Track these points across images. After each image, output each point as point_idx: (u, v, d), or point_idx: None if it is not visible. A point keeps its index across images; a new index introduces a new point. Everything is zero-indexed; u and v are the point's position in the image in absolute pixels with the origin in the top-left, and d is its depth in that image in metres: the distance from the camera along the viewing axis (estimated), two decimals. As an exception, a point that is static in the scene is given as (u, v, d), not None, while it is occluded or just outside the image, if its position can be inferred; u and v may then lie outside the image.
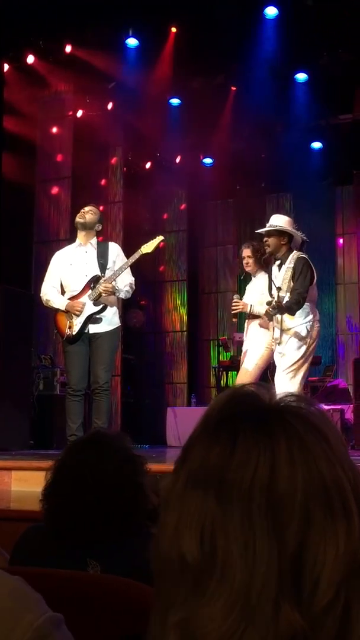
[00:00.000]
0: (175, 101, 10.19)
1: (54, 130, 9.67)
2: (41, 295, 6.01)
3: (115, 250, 6.03)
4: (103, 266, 5.90)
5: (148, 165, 11.33)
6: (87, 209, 6.03)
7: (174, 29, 8.91)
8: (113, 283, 5.78)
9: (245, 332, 6.25)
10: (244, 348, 6.33)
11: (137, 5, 8.18)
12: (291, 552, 0.61)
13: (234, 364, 7.46)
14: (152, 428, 10.48)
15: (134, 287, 5.98)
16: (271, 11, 8.46)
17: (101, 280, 5.80)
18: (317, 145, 10.82)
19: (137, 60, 9.11)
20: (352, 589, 0.61)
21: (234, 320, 6.50)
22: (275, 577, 0.61)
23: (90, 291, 5.83)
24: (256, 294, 6.08)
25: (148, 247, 5.97)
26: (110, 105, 9.99)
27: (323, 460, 0.64)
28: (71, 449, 1.85)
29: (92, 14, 8.27)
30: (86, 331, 5.83)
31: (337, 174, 11.13)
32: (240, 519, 0.62)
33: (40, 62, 9.20)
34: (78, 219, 5.98)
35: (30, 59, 9.08)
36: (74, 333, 5.81)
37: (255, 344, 6.05)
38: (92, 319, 5.81)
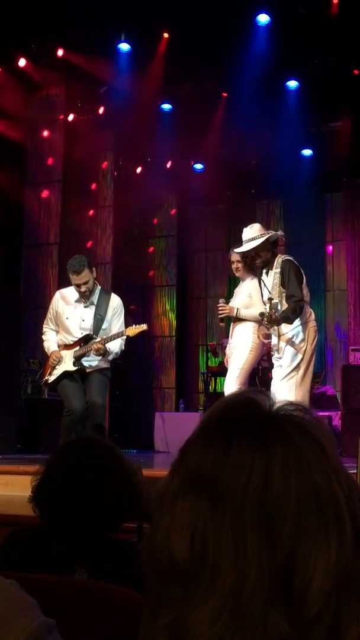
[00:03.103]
0: (166, 106, 10.20)
1: (45, 133, 9.67)
2: (42, 330, 6.11)
3: (113, 307, 5.92)
4: (99, 322, 5.85)
5: (139, 169, 11.34)
6: (83, 281, 5.70)
7: (166, 35, 8.94)
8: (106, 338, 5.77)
9: (230, 335, 6.22)
10: (227, 351, 6.32)
11: (130, 10, 8.19)
12: (282, 559, 0.61)
13: (223, 370, 7.47)
14: (139, 433, 10.46)
15: (123, 347, 5.93)
16: (263, 18, 8.49)
17: (93, 341, 5.76)
18: (307, 152, 10.86)
19: (129, 65, 9.12)
20: (342, 600, 0.61)
21: (222, 324, 6.47)
22: (265, 583, 0.60)
23: (77, 348, 5.83)
24: (243, 297, 6.06)
25: (131, 332, 5.82)
26: (101, 110, 10.00)
27: (318, 470, 0.64)
28: (62, 450, 1.86)
29: (84, 19, 8.27)
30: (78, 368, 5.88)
31: (326, 181, 11.17)
32: (232, 524, 0.62)
33: (32, 65, 9.20)
34: (82, 296, 5.80)
35: (22, 62, 9.07)
36: (49, 381, 5.96)
37: (239, 347, 6.03)
38: (89, 359, 5.84)
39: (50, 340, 6.01)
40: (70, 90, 9.61)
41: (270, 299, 5.39)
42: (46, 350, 6.06)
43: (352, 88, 9.30)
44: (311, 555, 0.61)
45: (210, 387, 10.12)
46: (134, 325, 5.86)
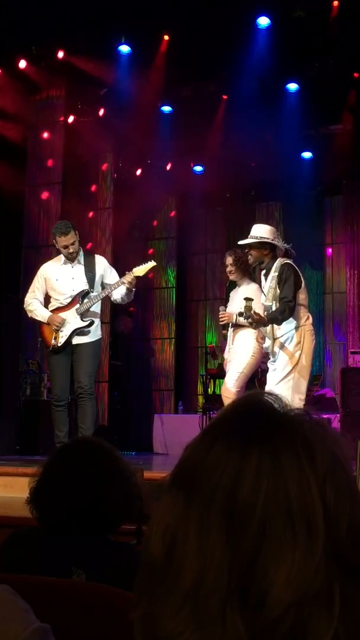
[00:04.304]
0: (166, 108, 10.21)
1: (45, 135, 9.67)
2: (25, 305, 6.17)
3: (102, 263, 6.18)
4: (91, 279, 6.05)
5: (138, 172, 11.34)
6: (70, 241, 5.97)
7: (166, 37, 8.94)
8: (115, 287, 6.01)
9: (231, 341, 6.22)
10: (226, 355, 6.33)
11: (130, 12, 8.20)
12: (243, 562, 0.61)
13: (222, 372, 7.47)
14: (138, 435, 10.46)
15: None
16: (263, 21, 8.50)
17: (95, 293, 5.96)
18: (307, 154, 10.86)
19: (129, 67, 9.12)
20: (308, 613, 0.60)
21: (224, 332, 6.48)
22: (224, 584, 0.60)
23: (78, 305, 5.97)
24: (241, 302, 6.07)
25: (140, 271, 6.04)
26: (101, 112, 10.00)
27: (295, 478, 0.63)
28: (59, 452, 1.85)
29: (85, 21, 8.28)
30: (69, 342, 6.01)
31: (326, 184, 11.18)
32: (199, 522, 0.62)
33: (33, 67, 9.20)
34: (69, 257, 6.02)
35: (23, 64, 9.07)
36: (59, 344, 5.96)
37: (240, 352, 6.03)
38: (79, 332, 5.97)
39: (39, 308, 6.05)
40: (71, 92, 9.61)
41: (246, 299, 5.40)
42: (39, 317, 6.06)
43: (353, 91, 9.31)
44: (272, 564, 0.60)
45: (209, 389, 10.11)
46: (140, 265, 6.05)
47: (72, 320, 5.96)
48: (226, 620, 0.60)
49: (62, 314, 5.96)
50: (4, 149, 8.98)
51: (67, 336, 5.93)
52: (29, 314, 6.15)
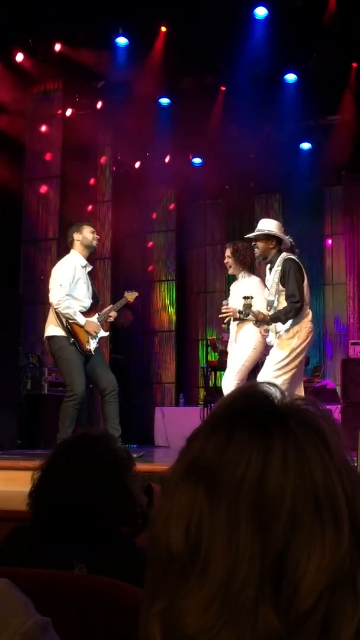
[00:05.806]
0: (164, 101, 10.18)
1: (43, 128, 9.65)
2: (59, 302, 5.89)
3: None
4: (94, 291, 6.28)
5: (137, 164, 11.32)
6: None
7: (163, 29, 8.91)
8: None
9: (234, 336, 6.20)
10: (229, 349, 6.33)
11: (127, 4, 8.18)
12: (274, 554, 0.60)
13: (222, 364, 7.47)
14: (140, 428, 10.47)
15: None
16: (261, 11, 8.46)
17: (110, 308, 6.27)
18: (306, 145, 10.85)
19: (127, 59, 9.09)
20: (335, 601, 0.60)
21: (224, 325, 6.50)
22: (256, 576, 0.60)
23: (97, 315, 6.14)
24: (240, 297, 6.06)
25: (130, 296, 6.39)
26: (99, 104, 9.98)
27: (319, 467, 0.63)
28: (59, 449, 1.84)
29: (82, 13, 8.25)
30: None
31: (325, 175, 11.16)
32: (227, 515, 0.62)
33: (30, 60, 9.16)
34: (92, 247, 6.24)
35: (20, 57, 9.04)
36: (92, 349, 6.07)
37: (242, 345, 6.03)
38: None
39: (75, 309, 5.96)
40: (68, 85, 9.59)
41: (245, 297, 5.44)
42: (77, 319, 5.94)
43: (351, 81, 9.28)
44: (304, 553, 0.60)
45: (210, 382, 10.11)
46: (127, 292, 6.42)
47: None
48: (258, 613, 0.60)
49: (92, 320, 6.10)
50: (1, 142, 8.95)
51: (95, 342, 6.08)
52: (65, 310, 5.87)
